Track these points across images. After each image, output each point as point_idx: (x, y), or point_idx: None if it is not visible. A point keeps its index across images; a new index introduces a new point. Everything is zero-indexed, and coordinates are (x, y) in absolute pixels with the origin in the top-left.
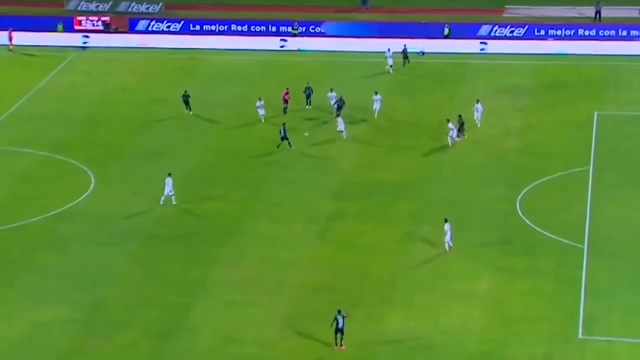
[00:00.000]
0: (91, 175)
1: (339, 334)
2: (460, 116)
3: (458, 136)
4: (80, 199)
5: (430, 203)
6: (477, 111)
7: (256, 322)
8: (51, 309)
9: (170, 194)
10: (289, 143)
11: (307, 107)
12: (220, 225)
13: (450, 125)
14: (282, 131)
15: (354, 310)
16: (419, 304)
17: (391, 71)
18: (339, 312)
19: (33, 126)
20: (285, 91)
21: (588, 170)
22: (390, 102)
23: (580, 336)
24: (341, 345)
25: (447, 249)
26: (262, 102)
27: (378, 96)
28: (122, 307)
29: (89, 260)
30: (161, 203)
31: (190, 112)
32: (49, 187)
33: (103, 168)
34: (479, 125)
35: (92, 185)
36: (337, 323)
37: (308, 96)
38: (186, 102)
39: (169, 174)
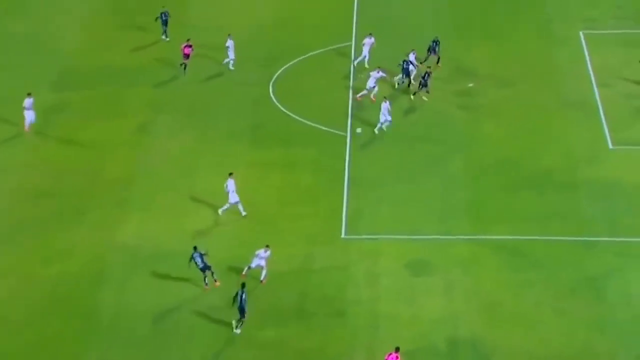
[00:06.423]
0: None
1: (207, 272)
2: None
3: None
4: None
5: (167, 90)
6: None
7: None
8: None
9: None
10: None
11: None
12: None
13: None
14: None
15: (82, 217)
16: (160, 206)
17: None
18: (195, 248)
19: None
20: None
21: (351, 46)
22: None
23: (343, 235)
24: (215, 281)
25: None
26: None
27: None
28: None
29: None
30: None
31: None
32: None
33: None
34: None
35: None
36: (197, 262)
37: None
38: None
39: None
